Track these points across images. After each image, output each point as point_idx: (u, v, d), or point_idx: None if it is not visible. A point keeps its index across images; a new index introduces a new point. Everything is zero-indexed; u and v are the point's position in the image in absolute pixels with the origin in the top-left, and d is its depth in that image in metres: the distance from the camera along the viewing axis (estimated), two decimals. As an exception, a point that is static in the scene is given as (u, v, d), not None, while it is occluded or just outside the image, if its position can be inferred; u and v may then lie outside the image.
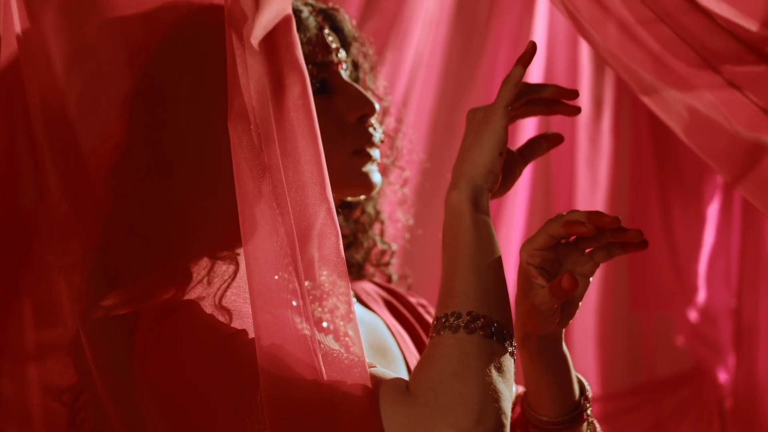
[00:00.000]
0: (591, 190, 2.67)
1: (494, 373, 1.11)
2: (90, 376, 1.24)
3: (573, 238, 1.27)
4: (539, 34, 2.47)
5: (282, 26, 1.19)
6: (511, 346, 1.16)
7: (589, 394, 1.38)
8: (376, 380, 1.12)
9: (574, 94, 1.37)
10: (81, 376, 1.26)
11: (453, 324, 1.14)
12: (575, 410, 1.35)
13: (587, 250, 1.27)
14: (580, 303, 1.30)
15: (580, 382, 1.37)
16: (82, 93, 1.29)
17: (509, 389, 1.13)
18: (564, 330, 1.34)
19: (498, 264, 1.21)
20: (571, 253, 1.27)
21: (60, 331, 1.30)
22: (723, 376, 2.89)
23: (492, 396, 1.10)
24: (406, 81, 2.21)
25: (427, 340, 1.36)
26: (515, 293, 1.28)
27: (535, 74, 2.44)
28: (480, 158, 1.26)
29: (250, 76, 1.14)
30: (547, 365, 1.32)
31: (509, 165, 1.35)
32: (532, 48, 1.30)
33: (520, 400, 1.41)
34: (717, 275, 2.88)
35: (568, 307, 1.29)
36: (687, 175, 2.84)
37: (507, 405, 1.11)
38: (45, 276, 1.29)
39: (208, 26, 1.27)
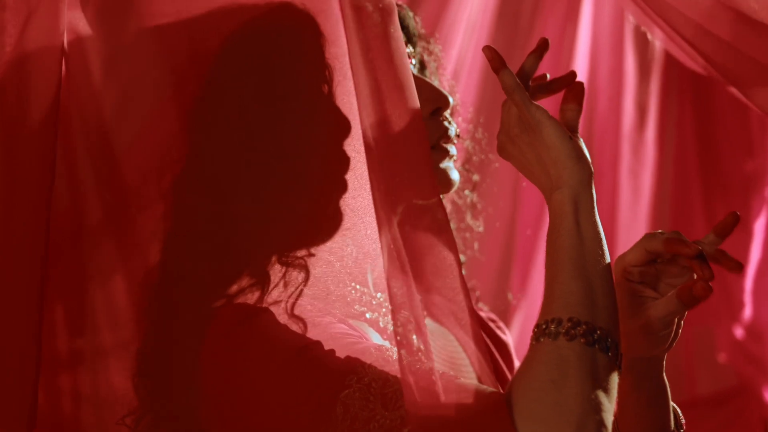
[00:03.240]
0: (634, 201, 2.63)
1: (595, 383, 1.06)
2: (152, 398, 1.21)
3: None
4: (583, 41, 2.44)
5: None
6: (616, 356, 1.10)
7: (683, 422, 1.32)
8: (469, 392, 1.08)
9: (572, 75, 1.32)
10: (142, 399, 1.23)
11: (553, 331, 1.09)
12: None
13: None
14: (682, 322, 1.26)
15: (675, 411, 1.32)
16: (118, 99, 1.26)
17: (611, 401, 1.07)
18: (665, 357, 1.29)
19: (605, 268, 1.14)
20: (670, 268, 1.23)
21: (92, 339, 1.28)
22: (769, 395, 2.83)
23: (592, 407, 1.04)
24: (452, 83, 2.18)
25: (499, 357, 1.31)
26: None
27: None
28: (560, 155, 1.18)
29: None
30: (649, 393, 1.27)
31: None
32: (490, 50, 1.25)
33: None
34: (764, 291, 2.82)
35: (675, 327, 1.26)
36: (733, 188, 2.79)
37: (608, 417, 1.06)
38: (77, 283, 1.27)
39: (274, 28, 1.23)
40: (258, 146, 1.21)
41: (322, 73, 1.22)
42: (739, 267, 1.19)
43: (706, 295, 1.17)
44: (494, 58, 1.24)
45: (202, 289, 1.20)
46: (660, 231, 1.24)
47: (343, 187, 1.23)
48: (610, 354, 1.09)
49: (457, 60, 2.21)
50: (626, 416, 1.29)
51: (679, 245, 1.19)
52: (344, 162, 1.22)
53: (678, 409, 1.33)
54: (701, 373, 2.90)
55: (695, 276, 1.22)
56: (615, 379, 1.09)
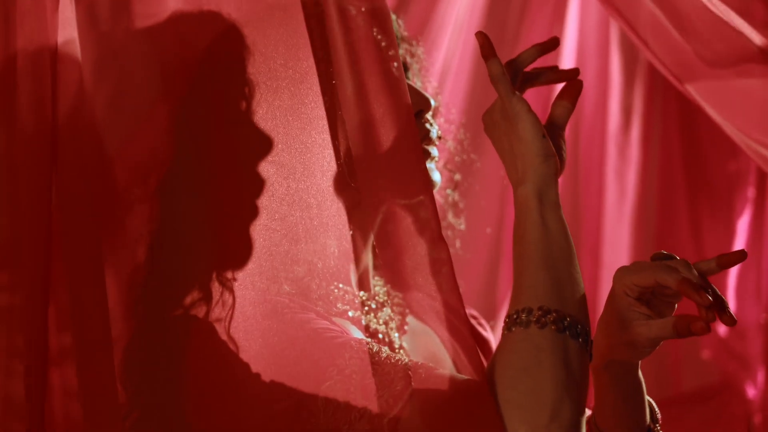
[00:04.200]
0: (619, 202, 2.65)
1: (568, 368, 1.09)
2: (139, 395, 1.23)
3: None
4: (569, 43, 2.46)
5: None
6: (587, 342, 1.13)
7: (659, 416, 1.35)
8: (445, 381, 1.11)
9: (574, 72, 1.36)
10: (129, 396, 1.25)
11: (524, 320, 1.12)
12: None
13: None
14: None
15: (651, 406, 1.34)
16: (109, 99, 1.28)
17: (584, 385, 1.11)
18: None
19: (570, 258, 1.17)
20: (667, 291, 1.23)
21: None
22: (751, 392, 2.84)
23: (566, 392, 1.08)
24: (435, 85, 2.20)
25: (480, 353, 1.34)
26: (602, 321, 1.25)
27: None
28: (529, 150, 1.22)
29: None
30: (625, 391, 1.29)
31: (554, 139, 1.32)
32: (482, 36, 1.27)
33: (587, 421, 1.38)
34: (747, 289, 2.83)
35: None
36: (717, 188, 2.80)
37: (582, 401, 1.09)
38: (66, 280, 1.28)
39: (257, 36, 1.25)
40: (210, 156, 1.23)
41: (241, 89, 1.22)
42: (733, 321, 1.17)
43: (704, 333, 1.16)
44: (485, 45, 1.26)
45: (183, 289, 1.22)
46: (668, 254, 1.23)
47: (252, 212, 1.20)
48: (580, 340, 1.12)
49: (444, 61, 2.23)
50: (604, 412, 1.32)
51: (693, 293, 1.16)
52: (256, 185, 1.21)
53: (654, 404, 1.35)
54: (685, 370, 2.92)
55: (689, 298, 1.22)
56: (587, 364, 1.12)
